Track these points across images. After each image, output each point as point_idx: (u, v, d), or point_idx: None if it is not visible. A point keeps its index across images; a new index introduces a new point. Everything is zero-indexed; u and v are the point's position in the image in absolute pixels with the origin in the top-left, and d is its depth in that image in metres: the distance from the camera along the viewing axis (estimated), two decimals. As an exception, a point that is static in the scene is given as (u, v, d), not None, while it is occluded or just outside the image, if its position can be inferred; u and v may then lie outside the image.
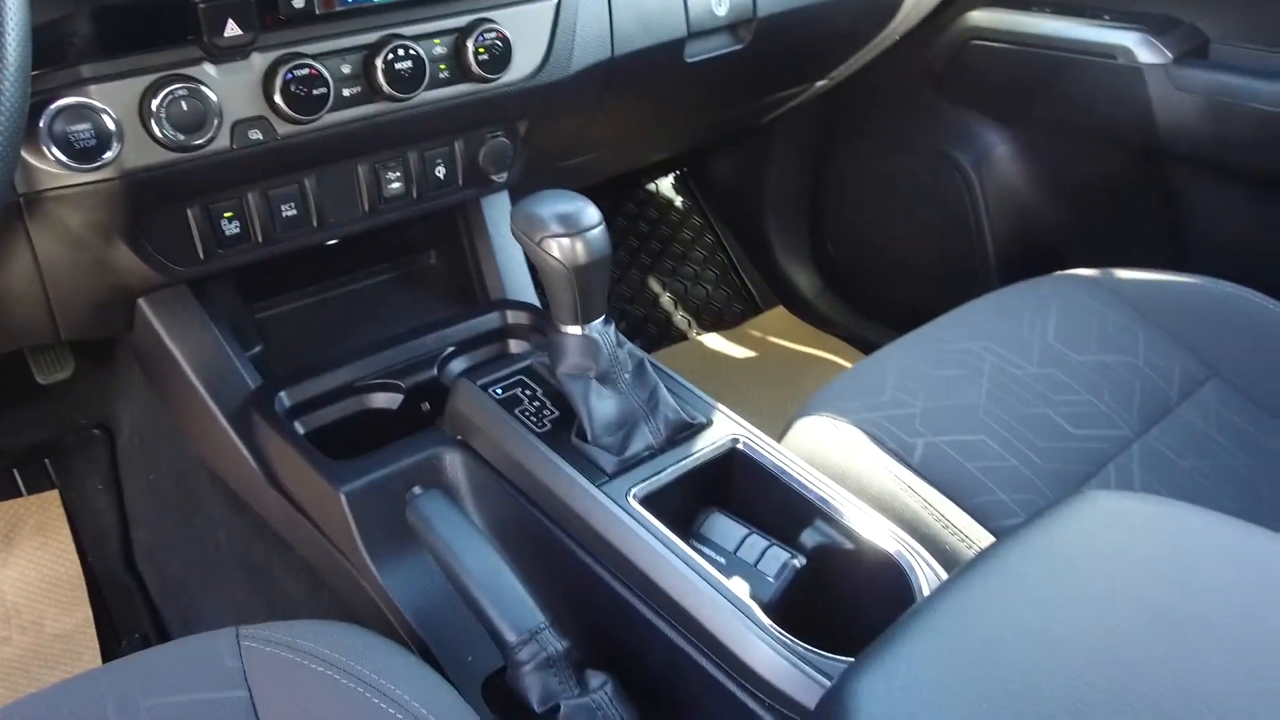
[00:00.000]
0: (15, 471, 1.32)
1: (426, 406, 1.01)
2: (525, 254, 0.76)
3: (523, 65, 0.94)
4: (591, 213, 0.77)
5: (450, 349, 1.03)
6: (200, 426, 0.97)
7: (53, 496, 1.32)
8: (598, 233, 0.77)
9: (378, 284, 1.18)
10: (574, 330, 0.80)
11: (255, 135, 0.80)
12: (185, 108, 0.75)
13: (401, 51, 0.84)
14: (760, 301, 1.96)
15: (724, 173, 1.97)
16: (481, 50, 0.89)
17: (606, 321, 0.82)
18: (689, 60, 1.13)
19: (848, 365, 1.79)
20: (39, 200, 0.75)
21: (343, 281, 1.16)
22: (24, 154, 0.72)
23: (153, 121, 0.74)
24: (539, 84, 0.97)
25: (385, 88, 0.85)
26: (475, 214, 1.12)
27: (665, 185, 2.01)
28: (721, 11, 1.12)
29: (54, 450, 1.34)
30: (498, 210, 1.13)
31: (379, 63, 0.84)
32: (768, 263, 1.95)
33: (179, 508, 1.16)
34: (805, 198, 1.89)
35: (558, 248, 0.76)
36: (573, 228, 0.76)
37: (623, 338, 0.83)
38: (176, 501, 1.17)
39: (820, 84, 1.54)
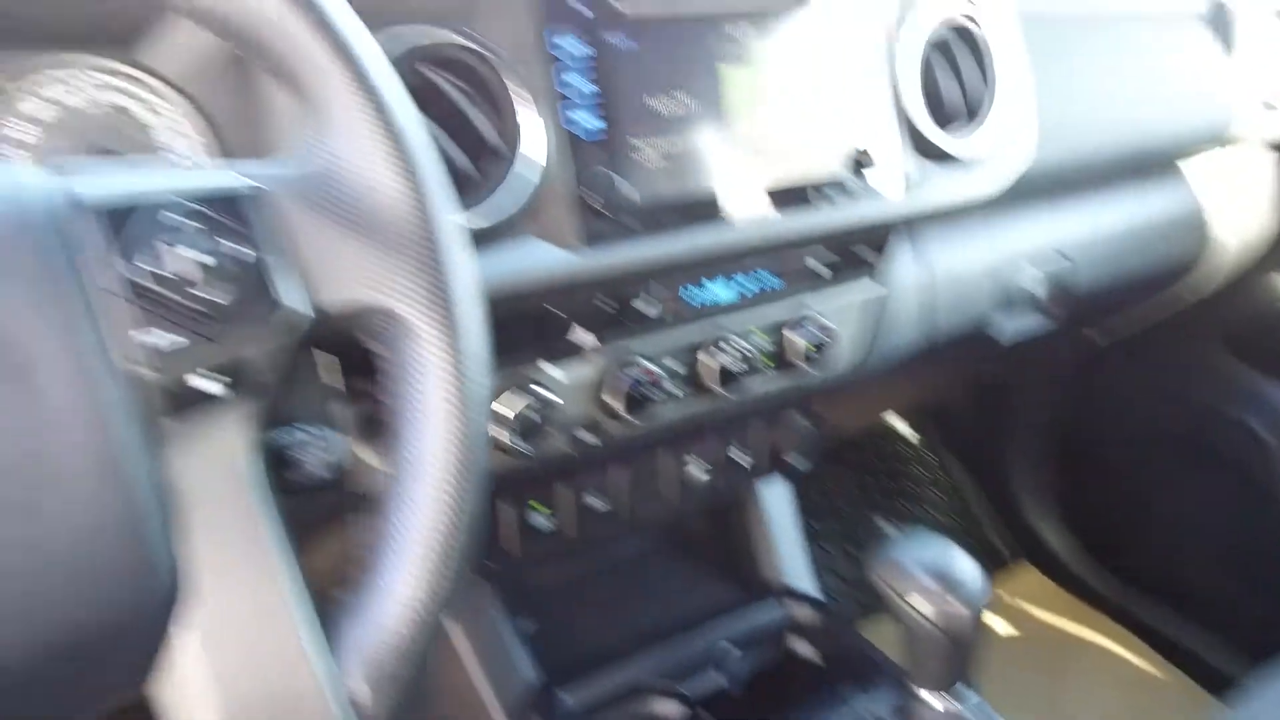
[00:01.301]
0: None
1: (709, 717, 0.90)
2: (885, 604, 0.67)
3: (845, 357, 0.88)
4: (968, 567, 0.67)
5: (734, 652, 0.93)
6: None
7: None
8: (976, 590, 0.66)
9: (644, 553, 1.11)
10: (935, 704, 0.68)
11: (588, 437, 0.76)
12: (532, 416, 0.71)
13: (731, 349, 0.79)
14: (1005, 555, 1.77)
15: (963, 408, 1.84)
16: (809, 345, 0.83)
17: (967, 687, 0.69)
18: (1003, 342, 1.04)
19: (1115, 649, 1.55)
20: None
21: (608, 552, 1.10)
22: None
23: (501, 427, 0.71)
24: (857, 374, 0.90)
25: (713, 385, 0.79)
26: (750, 493, 1.04)
27: (897, 421, 1.90)
28: (1040, 292, 1.04)
29: None
30: (775, 489, 1.05)
31: (709, 361, 0.79)
32: (1013, 513, 1.77)
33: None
34: (1057, 443, 1.73)
35: (928, 604, 0.65)
36: (947, 583, 0.65)
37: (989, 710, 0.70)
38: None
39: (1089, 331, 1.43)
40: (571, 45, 0.64)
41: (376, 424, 0.66)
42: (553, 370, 0.74)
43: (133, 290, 0.36)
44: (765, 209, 0.73)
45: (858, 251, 0.86)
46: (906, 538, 0.69)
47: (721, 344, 0.79)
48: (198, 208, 0.38)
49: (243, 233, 0.39)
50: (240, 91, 0.65)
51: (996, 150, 0.87)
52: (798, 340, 0.83)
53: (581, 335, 0.72)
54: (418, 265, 0.41)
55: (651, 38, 0.67)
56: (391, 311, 0.42)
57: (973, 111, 0.85)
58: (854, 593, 1.59)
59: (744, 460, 0.91)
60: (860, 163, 0.78)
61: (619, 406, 0.75)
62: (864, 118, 0.78)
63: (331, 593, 0.43)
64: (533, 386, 0.71)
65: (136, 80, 0.67)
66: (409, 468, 0.42)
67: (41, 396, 0.34)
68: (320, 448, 0.48)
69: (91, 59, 0.65)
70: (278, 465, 0.46)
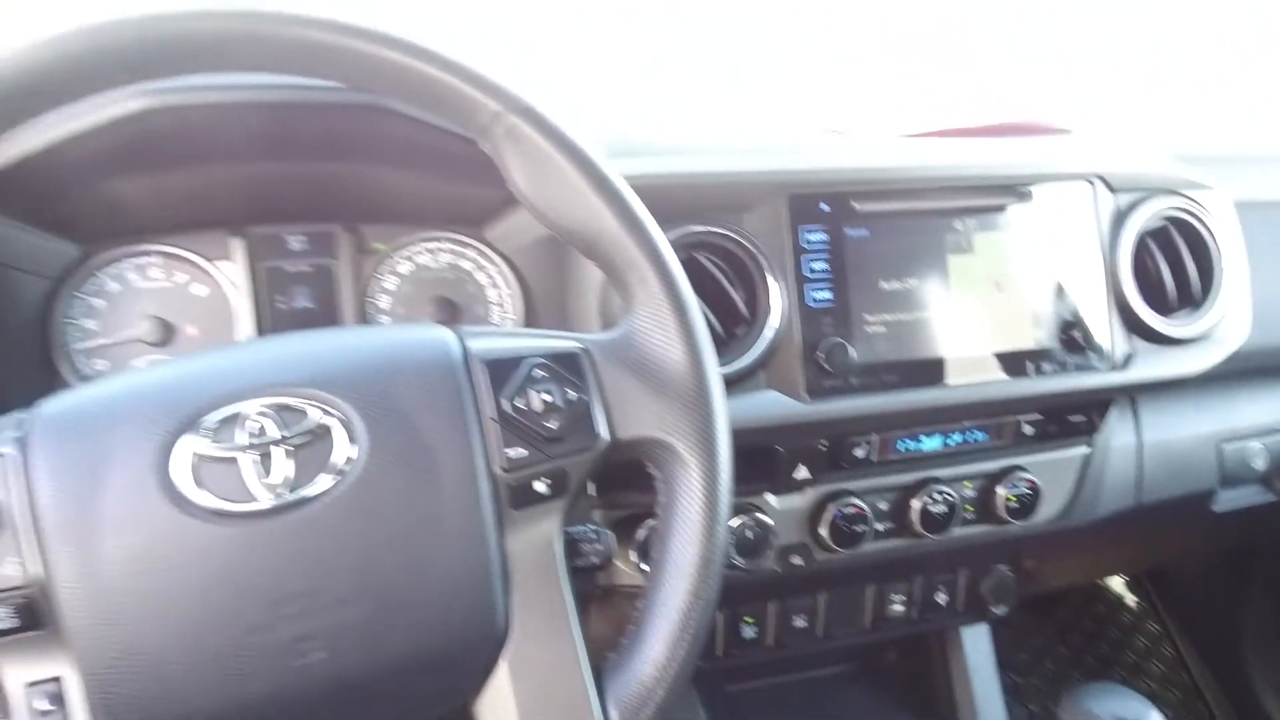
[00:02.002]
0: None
1: None
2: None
3: (1047, 511, 0.94)
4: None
5: None
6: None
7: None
8: None
9: (838, 674, 1.18)
10: None
11: (797, 561, 0.87)
12: (749, 535, 0.84)
13: (937, 495, 0.88)
14: (1233, 740, 1.63)
15: (1192, 574, 1.75)
16: (1011, 498, 0.91)
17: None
18: (1217, 509, 1.05)
19: None
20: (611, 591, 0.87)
21: (803, 667, 1.17)
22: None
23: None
24: (1059, 528, 0.95)
25: (916, 526, 0.88)
26: (952, 635, 1.09)
27: (1115, 579, 1.82)
28: (1260, 465, 1.04)
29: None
30: (975, 635, 1.09)
31: (914, 504, 0.88)
32: (1244, 696, 1.63)
33: None
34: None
35: (1115, 756, 0.70)
36: (1135, 736, 0.70)
37: None
38: None
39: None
40: (815, 236, 0.79)
41: (628, 527, 0.81)
42: (773, 499, 0.86)
43: (503, 418, 0.53)
44: (978, 375, 0.83)
45: (1068, 417, 0.93)
46: (1103, 689, 0.73)
47: (928, 489, 0.88)
48: (548, 362, 0.55)
49: (575, 382, 0.55)
50: (553, 269, 0.85)
51: (1211, 330, 0.92)
52: (1001, 492, 0.90)
53: (802, 472, 0.84)
54: (692, 412, 0.55)
55: (882, 229, 0.81)
56: (669, 445, 0.56)
57: (1189, 297, 0.91)
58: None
59: (944, 601, 0.98)
60: (1074, 338, 0.86)
61: (827, 536, 0.86)
62: (1079, 298, 0.87)
63: (605, 653, 0.57)
64: (756, 513, 0.84)
65: (480, 252, 0.89)
66: (670, 563, 0.55)
67: (441, 484, 0.51)
68: (596, 541, 0.63)
69: (452, 234, 0.88)
70: (569, 551, 0.60)
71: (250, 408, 0.49)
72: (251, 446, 0.48)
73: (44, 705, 0.46)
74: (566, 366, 0.55)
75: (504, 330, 0.60)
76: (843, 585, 0.94)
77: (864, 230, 0.81)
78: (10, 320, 0.74)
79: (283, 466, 0.48)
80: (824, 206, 0.80)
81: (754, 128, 1.20)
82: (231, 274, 0.82)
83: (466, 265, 0.89)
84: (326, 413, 0.49)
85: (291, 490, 0.48)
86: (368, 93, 0.54)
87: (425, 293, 0.88)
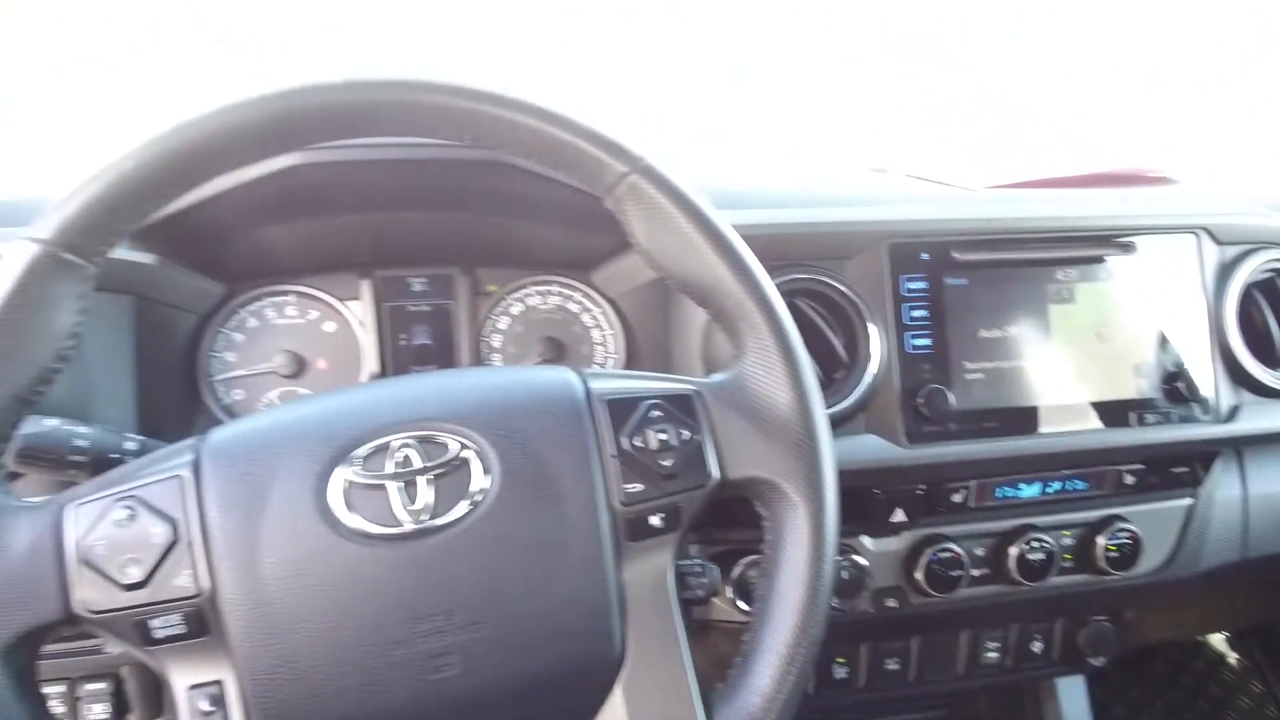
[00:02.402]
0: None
1: None
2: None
3: (1148, 562, 0.92)
4: None
5: None
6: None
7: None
8: None
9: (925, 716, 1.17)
10: None
11: (892, 603, 0.88)
12: (844, 576, 0.85)
13: (1035, 543, 0.88)
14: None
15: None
16: (1111, 548, 0.90)
17: None
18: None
19: None
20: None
21: (893, 712, 1.17)
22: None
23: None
24: (1160, 580, 0.93)
25: (1013, 573, 0.88)
26: (1046, 685, 1.08)
27: (1218, 635, 1.75)
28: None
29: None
30: (1073, 690, 1.07)
31: (1012, 551, 0.88)
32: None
33: None
34: None
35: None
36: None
37: None
38: None
39: None
40: (916, 285, 0.81)
41: (725, 563, 0.83)
42: (869, 542, 0.87)
43: (622, 455, 0.56)
44: (1079, 424, 0.83)
45: (1171, 468, 0.92)
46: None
47: (1026, 537, 0.88)
48: (664, 403, 0.58)
49: (689, 422, 0.58)
50: (656, 313, 0.89)
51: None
52: (1101, 542, 0.89)
53: (899, 515, 0.85)
54: (800, 455, 0.58)
55: (981, 278, 0.83)
56: (777, 486, 0.58)
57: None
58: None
59: (1039, 650, 0.97)
60: (1177, 389, 0.86)
61: (923, 580, 0.86)
62: (1183, 348, 0.87)
63: (712, 683, 0.59)
64: (852, 555, 0.85)
65: (587, 295, 0.93)
66: (777, 600, 0.57)
67: (565, 515, 0.54)
68: (702, 575, 0.65)
69: (561, 278, 0.93)
70: (676, 584, 0.63)
71: (397, 440, 0.53)
72: (398, 475, 0.52)
73: (206, 706, 0.50)
74: (681, 407, 0.58)
75: (622, 372, 0.63)
76: (937, 630, 0.94)
77: (963, 279, 0.83)
78: (163, 351, 0.81)
79: (425, 494, 0.52)
80: (924, 256, 0.82)
81: (801, 167, 1.22)
82: (359, 313, 0.88)
83: (573, 307, 0.93)
84: (464, 445, 0.54)
85: (432, 516, 0.52)
86: (502, 153, 0.58)
87: (534, 333, 0.93)
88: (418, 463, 0.53)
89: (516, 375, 0.59)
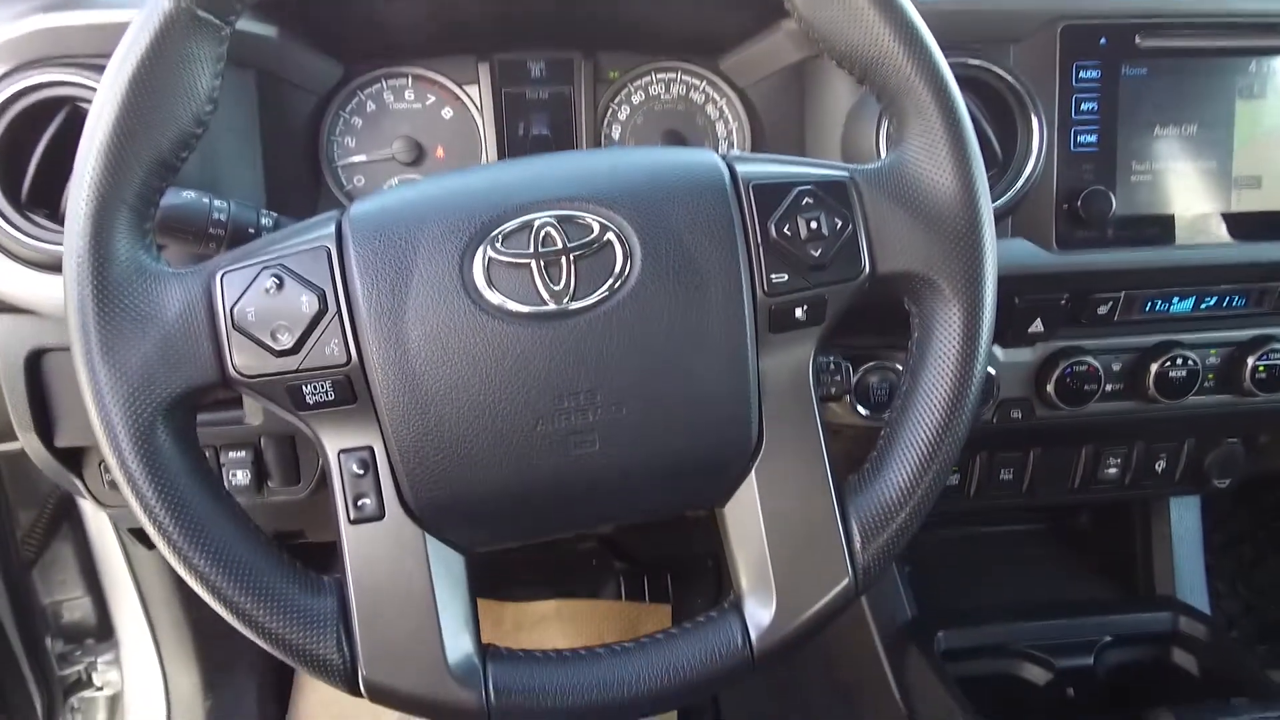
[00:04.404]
0: (645, 578, 1.56)
1: (1071, 693, 0.96)
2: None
3: (1297, 387, 0.88)
4: None
5: (1107, 638, 0.97)
6: (849, 649, 1.04)
7: (666, 610, 1.53)
8: None
9: (1026, 532, 1.18)
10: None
11: (1016, 414, 0.85)
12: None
13: (1179, 360, 0.84)
14: None
15: None
16: (1261, 369, 0.85)
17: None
18: None
19: None
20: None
21: (991, 521, 1.18)
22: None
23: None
24: (1307, 407, 0.89)
25: (1150, 390, 0.84)
26: (1157, 504, 1.06)
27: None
28: None
29: (676, 568, 1.55)
30: (1186, 510, 1.05)
31: (1153, 367, 0.84)
32: None
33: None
34: None
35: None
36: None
37: None
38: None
39: None
40: (1089, 74, 0.73)
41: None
42: (999, 351, 0.84)
43: (769, 243, 0.53)
44: (1251, 234, 0.76)
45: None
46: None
47: (1170, 353, 0.84)
48: (816, 190, 0.54)
49: (842, 211, 0.54)
50: (788, 104, 0.82)
51: None
52: (1251, 362, 0.84)
53: (1036, 325, 0.81)
54: (961, 249, 0.54)
55: (1164, 67, 0.74)
56: (933, 281, 0.55)
57: None
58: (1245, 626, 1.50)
59: (1161, 468, 0.94)
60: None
61: (1053, 393, 0.83)
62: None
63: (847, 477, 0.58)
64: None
65: (712, 84, 0.87)
66: (921, 396, 0.55)
67: (708, 301, 0.52)
68: (836, 373, 0.64)
69: (686, 64, 0.87)
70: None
71: (539, 219, 0.51)
72: (540, 254, 0.51)
73: (356, 470, 0.52)
74: (833, 194, 0.54)
75: (767, 155, 0.59)
76: (1057, 443, 0.92)
77: (1143, 69, 0.74)
78: (283, 130, 0.79)
79: (567, 274, 0.51)
80: (1103, 41, 0.73)
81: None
82: (477, 98, 0.85)
83: (697, 97, 0.88)
84: (606, 227, 0.52)
85: (574, 297, 0.51)
86: None
87: (655, 124, 0.88)
88: (559, 243, 0.51)
89: (657, 156, 0.56)
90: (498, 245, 0.51)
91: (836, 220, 0.54)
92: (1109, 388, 0.85)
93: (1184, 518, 1.05)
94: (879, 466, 0.56)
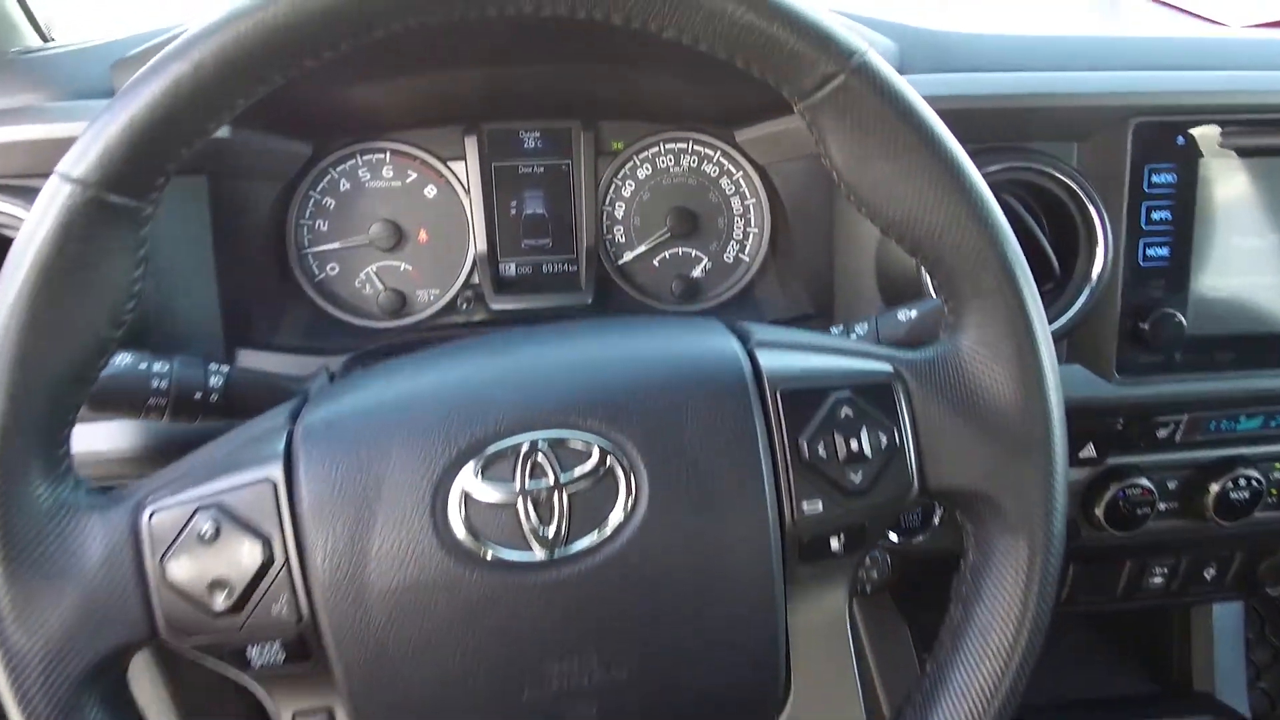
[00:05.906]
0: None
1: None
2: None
3: (1370, 504, 0.79)
4: None
5: None
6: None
7: None
8: None
9: (1060, 615, 1.10)
10: None
11: (1060, 537, 0.77)
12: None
13: (1241, 481, 0.75)
14: None
15: None
16: (1332, 487, 0.76)
17: None
18: None
19: None
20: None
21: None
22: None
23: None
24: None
25: (1208, 511, 0.76)
26: (1202, 609, 0.98)
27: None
28: None
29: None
30: (1228, 611, 0.98)
31: (1213, 488, 0.75)
32: None
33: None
34: None
35: None
36: None
37: None
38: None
39: None
40: (1163, 180, 0.63)
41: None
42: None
43: (801, 465, 0.44)
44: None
45: None
46: None
47: (1231, 472, 0.75)
48: (856, 398, 0.45)
49: (886, 424, 0.45)
50: (813, 188, 0.73)
51: None
52: (1320, 480, 0.76)
53: (1088, 450, 0.73)
54: (1028, 467, 0.44)
55: (1246, 169, 0.64)
56: (994, 501, 0.45)
57: None
58: None
59: (1213, 577, 0.87)
60: None
61: (1102, 517, 0.75)
62: None
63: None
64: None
65: (728, 155, 0.78)
66: (975, 637, 0.45)
67: (726, 539, 0.43)
68: (872, 568, 0.55)
69: (698, 135, 0.77)
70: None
71: (527, 445, 0.42)
72: (528, 491, 0.42)
73: None
74: (876, 401, 0.45)
75: (797, 337, 0.49)
76: (1098, 560, 0.84)
77: (1223, 171, 0.64)
78: (243, 226, 0.70)
79: (559, 514, 0.42)
80: (1179, 140, 0.63)
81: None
82: (463, 174, 0.75)
83: (710, 170, 0.78)
84: (606, 452, 0.43)
85: (567, 542, 0.42)
86: (664, 35, 0.43)
87: (663, 202, 0.79)
88: (551, 475, 0.42)
89: (667, 345, 0.47)
90: (477, 478, 0.42)
91: (881, 436, 0.45)
92: (1162, 506, 0.76)
93: (1226, 619, 0.97)
94: (924, 714, 0.47)
